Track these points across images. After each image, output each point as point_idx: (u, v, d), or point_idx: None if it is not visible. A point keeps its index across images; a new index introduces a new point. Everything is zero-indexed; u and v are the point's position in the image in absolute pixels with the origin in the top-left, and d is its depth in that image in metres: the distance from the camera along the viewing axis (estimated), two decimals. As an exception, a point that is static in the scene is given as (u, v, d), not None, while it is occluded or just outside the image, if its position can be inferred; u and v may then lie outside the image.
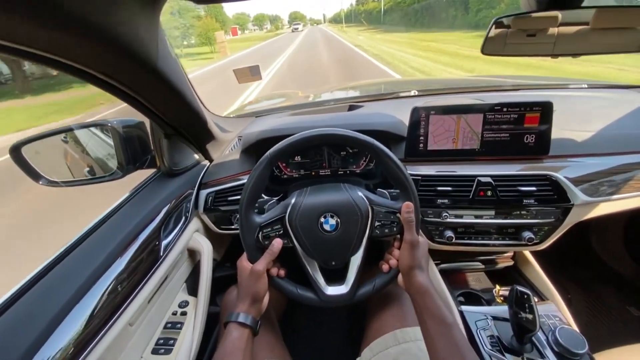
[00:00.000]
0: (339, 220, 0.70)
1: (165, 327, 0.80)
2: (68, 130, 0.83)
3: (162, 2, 0.55)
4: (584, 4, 0.78)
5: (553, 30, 0.92)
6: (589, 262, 1.49)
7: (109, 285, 0.61)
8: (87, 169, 0.91)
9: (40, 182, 0.78)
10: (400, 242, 0.70)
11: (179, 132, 0.87)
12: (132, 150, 0.82)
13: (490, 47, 0.85)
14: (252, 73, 1.12)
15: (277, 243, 0.69)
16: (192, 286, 0.93)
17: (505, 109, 0.87)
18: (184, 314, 0.84)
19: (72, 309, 0.55)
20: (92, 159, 0.90)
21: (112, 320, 0.61)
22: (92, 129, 0.88)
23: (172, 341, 0.77)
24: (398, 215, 0.69)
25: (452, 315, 0.59)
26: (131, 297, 0.66)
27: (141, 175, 0.90)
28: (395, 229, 0.70)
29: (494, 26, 0.90)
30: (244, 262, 0.70)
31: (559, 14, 0.90)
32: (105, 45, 0.49)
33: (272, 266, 0.70)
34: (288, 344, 0.85)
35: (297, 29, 62.76)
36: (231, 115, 1.40)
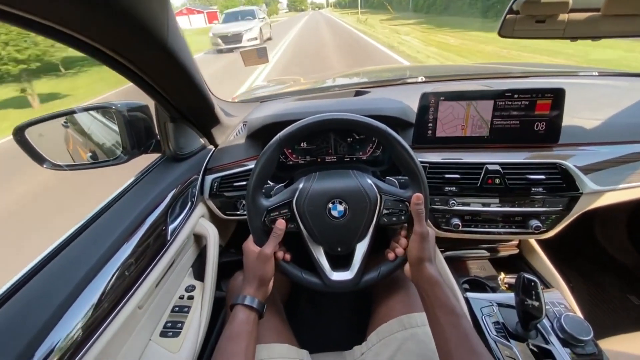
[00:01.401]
0: (347, 206, 0.69)
1: (172, 311, 0.81)
2: (71, 112, 0.81)
3: None
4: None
5: (563, 16, 0.90)
6: (592, 251, 1.49)
7: (117, 269, 0.61)
8: (91, 153, 0.90)
9: (45, 166, 0.77)
10: (407, 231, 0.70)
11: (184, 116, 0.85)
12: (137, 134, 0.81)
13: (504, 30, 0.84)
14: (258, 55, 1.09)
15: (281, 224, 0.69)
16: (199, 271, 0.94)
17: (516, 95, 0.85)
18: (190, 298, 0.84)
19: (81, 292, 0.55)
20: (96, 143, 0.89)
21: (121, 304, 0.61)
22: (95, 112, 0.87)
23: (179, 324, 0.77)
24: (407, 204, 0.68)
25: (461, 306, 0.59)
26: (139, 280, 0.66)
27: (145, 160, 0.89)
28: (403, 217, 0.69)
29: (507, 13, 0.88)
30: (250, 245, 0.70)
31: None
32: (116, 20, 0.47)
33: (278, 250, 0.70)
34: (293, 328, 0.86)
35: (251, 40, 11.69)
36: (235, 100, 1.38)
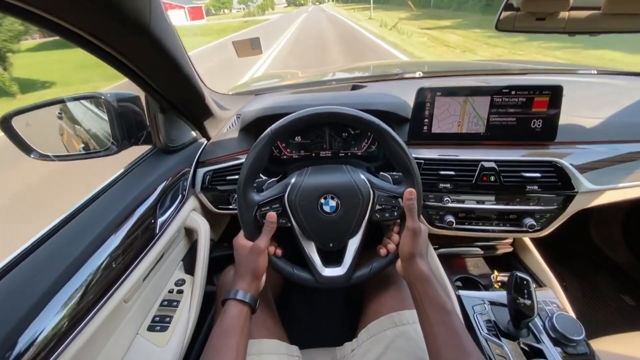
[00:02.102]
0: (339, 202, 0.68)
1: (161, 305, 0.80)
2: (60, 102, 0.79)
3: None
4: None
5: (564, 14, 0.89)
6: (586, 250, 1.49)
7: (103, 261, 0.60)
8: (82, 144, 0.88)
9: (32, 156, 0.76)
10: (399, 227, 0.69)
11: (175, 107, 0.84)
12: (127, 125, 0.79)
13: (502, 24, 0.83)
14: (252, 46, 1.08)
15: (271, 217, 0.67)
16: (189, 265, 0.93)
17: (513, 92, 0.84)
18: (180, 292, 0.83)
19: (66, 282, 0.54)
20: (85, 133, 0.87)
21: (106, 296, 0.60)
22: (85, 101, 0.85)
23: (168, 318, 0.77)
24: (400, 200, 0.67)
25: (451, 303, 0.59)
26: (126, 273, 0.65)
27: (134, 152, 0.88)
28: (395, 213, 0.68)
29: (504, 9, 0.87)
30: (240, 240, 0.69)
31: (571, -4, 0.87)
32: (91, 2, 0.45)
33: (270, 244, 0.69)
34: (283, 323, 0.85)
35: None
36: (230, 93, 1.36)
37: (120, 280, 0.64)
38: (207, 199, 0.98)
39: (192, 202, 0.94)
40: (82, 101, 0.85)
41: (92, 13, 0.48)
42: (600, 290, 1.36)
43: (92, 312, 0.57)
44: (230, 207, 0.97)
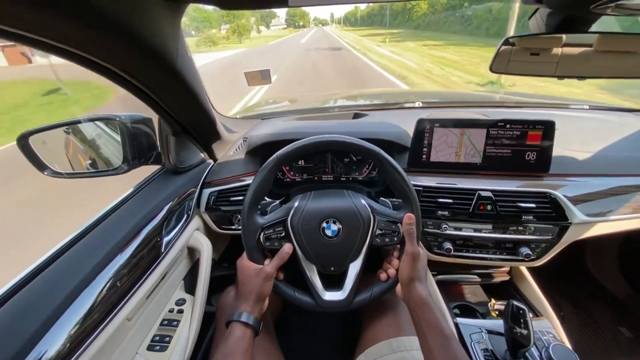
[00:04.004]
0: (341, 226, 0.70)
1: (161, 324, 0.80)
2: (76, 122, 0.83)
3: (185, 5, 0.57)
4: (589, 30, 0.80)
5: (557, 50, 0.94)
6: (583, 281, 1.50)
7: (110, 280, 0.61)
8: (91, 161, 0.91)
9: (45, 173, 0.79)
10: (399, 252, 0.71)
11: (186, 131, 0.87)
12: (139, 145, 0.82)
13: (497, 65, 0.87)
14: (262, 77, 1.14)
15: (288, 248, 0.70)
16: (190, 284, 0.93)
17: (508, 125, 0.88)
18: (180, 311, 0.84)
19: (72, 302, 0.55)
20: (97, 152, 0.90)
21: (111, 315, 0.61)
22: (100, 122, 0.89)
23: (167, 338, 0.77)
24: (399, 225, 0.69)
25: (450, 328, 0.60)
26: (131, 292, 0.66)
27: (144, 171, 0.90)
28: (395, 238, 0.70)
29: (502, 44, 0.92)
30: (245, 262, 0.71)
31: (563, 35, 0.92)
32: (130, 46, 0.50)
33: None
34: (282, 347, 0.85)
35: None
36: (237, 116, 1.41)
37: (125, 299, 0.64)
38: (211, 218, 0.99)
39: (196, 222, 0.96)
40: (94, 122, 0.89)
41: (129, 56, 0.52)
42: (597, 321, 1.35)
43: (95, 333, 0.57)
44: (233, 227, 0.99)
